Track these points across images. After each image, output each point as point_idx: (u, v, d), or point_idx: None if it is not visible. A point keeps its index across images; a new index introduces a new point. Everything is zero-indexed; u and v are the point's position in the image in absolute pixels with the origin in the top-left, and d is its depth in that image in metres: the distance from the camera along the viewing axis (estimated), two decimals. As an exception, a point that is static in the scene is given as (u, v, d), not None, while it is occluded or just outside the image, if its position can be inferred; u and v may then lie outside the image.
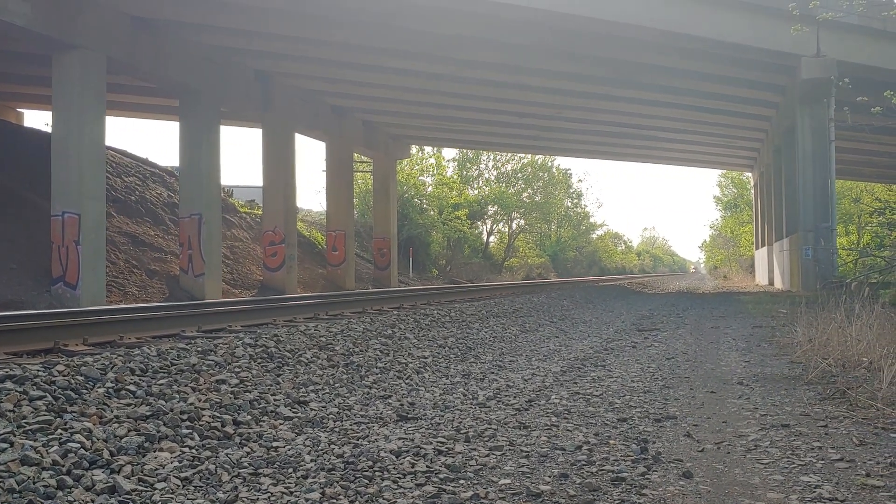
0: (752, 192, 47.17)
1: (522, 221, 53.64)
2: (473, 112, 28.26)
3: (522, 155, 49.79)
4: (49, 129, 17.70)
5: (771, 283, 33.73)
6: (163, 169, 24.82)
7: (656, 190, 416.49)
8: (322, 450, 4.56)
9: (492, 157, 50.56)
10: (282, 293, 20.16)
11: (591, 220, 71.53)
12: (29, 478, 3.52)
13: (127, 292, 16.39)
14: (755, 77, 24.21)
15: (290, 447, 4.64)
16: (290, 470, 4.16)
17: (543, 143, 36.54)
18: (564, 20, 18.74)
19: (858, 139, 28.69)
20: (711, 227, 73.71)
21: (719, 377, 7.42)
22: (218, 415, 4.99)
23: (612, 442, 4.77)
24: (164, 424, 4.58)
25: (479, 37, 19.51)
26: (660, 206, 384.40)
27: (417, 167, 41.61)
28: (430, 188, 41.48)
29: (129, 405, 4.72)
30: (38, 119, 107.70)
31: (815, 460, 4.30)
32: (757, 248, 42.91)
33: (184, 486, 3.87)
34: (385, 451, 4.44)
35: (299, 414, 5.47)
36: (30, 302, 13.64)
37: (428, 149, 43.00)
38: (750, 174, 48.44)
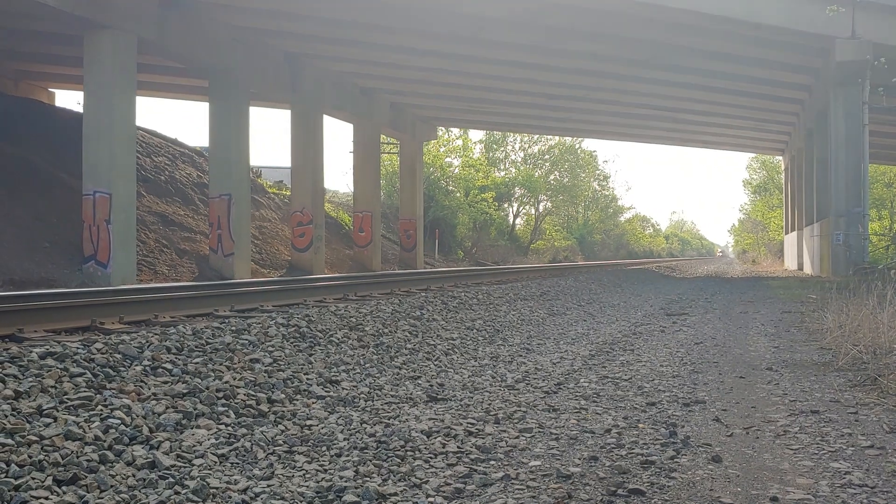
0: (783, 175, 46.61)
1: (549, 204, 53.41)
2: (502, 94, 28.16)
3: (549, 137, 49.52)
4: (80, 109, 17.92)
5: (800, 268, 33.40)
6: (192, 149, 25.03)
7: (685, 173, 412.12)
8: (354, 429, 4.63)
9: (519, 138, 50.29)
10: (309, 273, 20.32)
11: (619, 202, 71.15)
12: (73, 452, 3.62)
13: (157, 271, 16.61)
14: (788, 59, 23.86)
15: (323, 426, 4.71)
16: (324, 448, 4.24)
17: (572, 125, 36.35)
18: (594, 0, 18.58)
19: (893, 123, 28.22)
20: (741, 210, 72.94)
21: (748, 362, 7.40)
22: (252, 393, 5.07)
23: (641, 426, 4.79)
24: (201, 402, 4.68)
25: (507, 18, 19.41)
26: (688, 190, 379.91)
27: (444, 149, 41.56)
28: (456, 170, 41.43)
29: (166, 383, 4.82)
30: (69, 99, 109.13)
31: (844, 447, 4.29)
32: (786, 233, 42.45)
33: (221, 462, 3.95)
34: (416, 431, 4.50)
35: (331, 393, 5.55)
36: (62, 280, 13.86)
37: (455, 130, 42.91)
38: (780, 158, 47.85)
